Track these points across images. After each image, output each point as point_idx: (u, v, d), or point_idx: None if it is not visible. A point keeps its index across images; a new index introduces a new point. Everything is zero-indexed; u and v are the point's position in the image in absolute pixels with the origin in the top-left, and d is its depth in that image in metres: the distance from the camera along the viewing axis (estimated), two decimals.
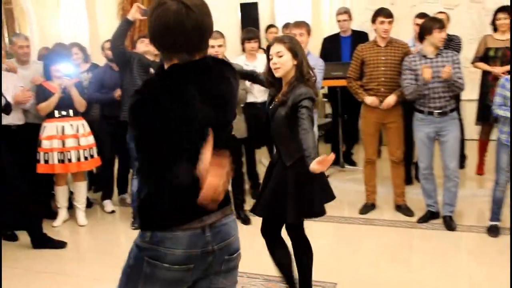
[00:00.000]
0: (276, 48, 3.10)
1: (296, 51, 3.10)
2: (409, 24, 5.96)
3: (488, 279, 3.75)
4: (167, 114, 1.72)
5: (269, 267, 3.99)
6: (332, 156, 2.58)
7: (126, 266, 1.96)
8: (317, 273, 3.92)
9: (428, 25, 4.67)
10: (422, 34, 4.70)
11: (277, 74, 3.12)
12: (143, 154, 1.83)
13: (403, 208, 5.18)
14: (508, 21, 5.69)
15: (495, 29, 5.93)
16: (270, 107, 3.22)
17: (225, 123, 1.95)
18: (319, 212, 3.26)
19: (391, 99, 4.93)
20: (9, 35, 9.54)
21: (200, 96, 1.79)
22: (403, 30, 6.70)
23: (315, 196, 3.17)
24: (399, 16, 8.11)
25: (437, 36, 4.60)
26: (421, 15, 5.80)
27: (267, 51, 3.21)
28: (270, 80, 3.23)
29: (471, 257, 4.23)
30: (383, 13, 4.99)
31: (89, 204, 5.81)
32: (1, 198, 4.65)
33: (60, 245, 4.71)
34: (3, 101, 4.51)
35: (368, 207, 5.29)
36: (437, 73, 4.56)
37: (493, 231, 4.53)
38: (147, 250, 1.85)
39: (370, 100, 5.01)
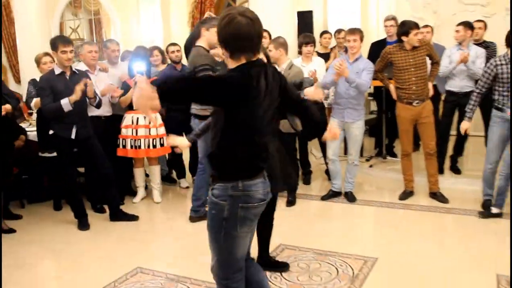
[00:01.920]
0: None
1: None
2: (451, 31, 5.87)
3: None
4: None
5: (320, 243, 4.13)
6: None
7: (218, 221, 2.31)
8: (361, 249, 4.06)
9: None
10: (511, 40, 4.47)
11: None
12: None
13: (438, 195, 5.17)
14: None
15: None
16: None
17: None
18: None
19: (430, 87, 5.16)
20: (97, 40, 10.00)
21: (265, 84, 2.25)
22: (445, 36, 6.64)
23: None
24: (441, 24, 8.05)
25: None
26: (463, 23, 5.71)
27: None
28: None
29: (500, 243, 4.17)
30: (415, 26, 4.95)
31: (174, 181, 6.28)
32: (94, 179, 4.98)
33: (134, 218, 4.95)
34: (97, 100, 4.80)
35: (407, 194, 5.30)
36: None
37: None
38: (240, 198, 2.27)
39: (393, 89, 5.19)
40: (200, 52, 4.45)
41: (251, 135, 2.28)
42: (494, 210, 4.62)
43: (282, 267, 3.72)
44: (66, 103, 4.40)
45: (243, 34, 2.16)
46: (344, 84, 5.00)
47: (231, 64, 2.24)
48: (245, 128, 2.26)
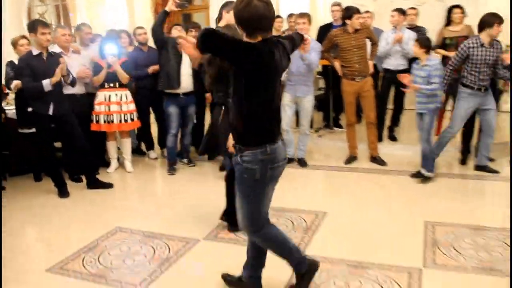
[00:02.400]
0: None
1: None
2: (389, 17, 6.19)
3: (441, 215, 4.07)
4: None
5: (278, 201, 4.38)
6: None
7: (250, 183, 2.49)
8: (312, 205, 4.34)
9: (489, 19, 4.60)
10: (483, 26, 4.66)
11: None
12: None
13: (377, 159, 5.50)
14: (461, 15, 5.94)
15: (448, 23, 6.12)
16: None
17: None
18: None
19: (371, 65, 5.47)
20: (64, 25, 9.76)
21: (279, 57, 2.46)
22: (384, 21, 6.95)
23: None
24: (380, 11, 8.37)
25: (496, 29, 4.61)
26: (397, 10, 6.07)
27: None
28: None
29: (428, 197, 4.58)
30: (357, 11, 5.23)
31: (143, 153, 6.40)
32: (71, 151, 5.05)
33: (109, 185, 5.08)
34: (70, 78, 4.84)
35: (351, 159, 5.61)
36: (488, 60, 4.69)
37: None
38: (268, 160, 2.47)
39: (338, 66, 5.44)
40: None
41: (269, 104, 2.46)
42: (428, 173, 4.91)
43: None
44: (47, 84, 4.48)
45: (260, 15, 2.33)
46: (295, 63, 5.19)
47: None
48: (265, 98, 2.42)
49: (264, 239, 2.68)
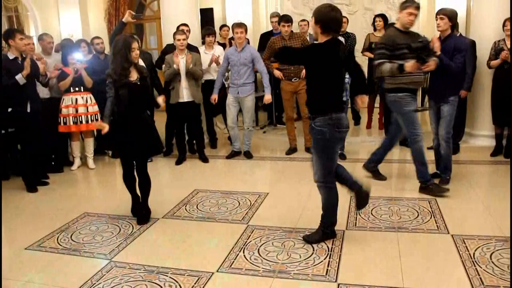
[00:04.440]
0: (136, 44, 3.96)
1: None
2: None
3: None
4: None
5: (226, 186, 4.87)
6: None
7: (323, 142, 3.31)
8: (256, 188, 4.96)
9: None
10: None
11: (136, 60, 4.01)
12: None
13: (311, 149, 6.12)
14: (381, 23, 6.77)
15: (375, 29, 6.96)
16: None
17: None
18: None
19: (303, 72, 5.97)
20: None
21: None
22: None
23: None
24: None
25: None
26: None
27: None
28: (127, 66, 3.94)
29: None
30: (281, 20, 5.93)
31: (104, 153, 6.72)
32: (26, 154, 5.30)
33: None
34: (46, 78, 5.29)
35: (292, 150, 6.23)
36: None
37: None
38: (334, 125, 3.29)
39: (277, 73, 6.00)
40: (395, 33, 4.52)
41: (334, 85, 3.31)
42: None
43: None
44: (20, 78, 4.87)
45: (338, 21, 3.22)
46: (237, 67, 5.81)
47: (321, 38, 3.25)
48: (330, 81, 3.28)
49: (326, 194, 3.48)
